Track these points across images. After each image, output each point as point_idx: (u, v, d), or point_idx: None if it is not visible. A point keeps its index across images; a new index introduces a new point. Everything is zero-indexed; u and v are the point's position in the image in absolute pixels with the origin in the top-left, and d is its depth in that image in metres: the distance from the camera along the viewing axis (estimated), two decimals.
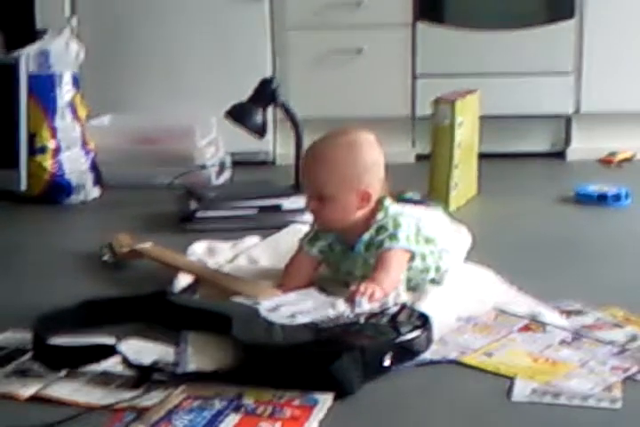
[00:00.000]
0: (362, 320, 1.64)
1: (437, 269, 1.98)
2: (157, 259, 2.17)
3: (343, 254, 1.96)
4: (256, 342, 1.60)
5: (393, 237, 1.89)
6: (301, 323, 1.65)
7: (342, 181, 1.88)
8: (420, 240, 1.94)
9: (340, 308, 1.69)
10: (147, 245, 2.24)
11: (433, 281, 1.97)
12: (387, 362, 1.55)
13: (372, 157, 1.91)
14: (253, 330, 1.66)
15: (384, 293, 1.78)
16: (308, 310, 1.70)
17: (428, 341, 1.65)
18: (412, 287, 1.94)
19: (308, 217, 2.05)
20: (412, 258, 1.92)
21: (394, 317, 1.65)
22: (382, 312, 1.67)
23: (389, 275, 1.85)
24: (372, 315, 1.66)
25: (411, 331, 1.62)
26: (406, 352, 1.61)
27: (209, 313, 1.76)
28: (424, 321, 1.66)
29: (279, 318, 1.68)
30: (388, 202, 1.94)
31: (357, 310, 1.68)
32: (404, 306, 1.70)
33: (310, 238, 1.99)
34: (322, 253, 1.98)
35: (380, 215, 1.91)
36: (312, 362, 1.53)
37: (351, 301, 1.72)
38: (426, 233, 1.98)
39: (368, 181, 1.90)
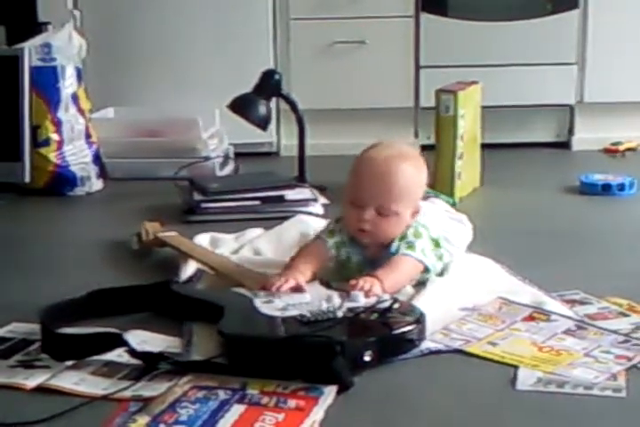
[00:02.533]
0: (352, 315, 1.63)
1: (441, 259, 1.98)
2: (175, 247, 2.18)
3: (358, 266, 1.93)
4: (236, 333, 1.60)
5: (410, 245, 1.89)
6: (290, 316, 1.65)
7: (408, 199, 1.88)
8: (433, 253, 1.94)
9: (335, 301, 1.69)
10: (170, 234, 2.25)
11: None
12: (367, 357, 1.54)
13: (425, 174, 1.94)
14: (239, 321, 1.66)
15: (383, 289, 1.77)
16: (301, 303, 1.70)
17: (420, 335, 1.64)
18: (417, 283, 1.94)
19: (318, 211, 2.00)
20: (427, 271, 1.91)
21: (385, 311, 1.64)
22: (374, 307, 1.66)
23: (395, 276, 1.84)
24: (364, 309, 1.65)
25: (401, 326, 1.61)
26: (395, 347, 1.60)
27: (204, 303, 1.77)
28: (416, 315, 1.65)
29: (271, 309, 1.68)
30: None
31: (352, 304, 1.68)
32: (396, 300, 1.69)
33: (331, 231, 1.96)
34: (336, 250, 1.95)
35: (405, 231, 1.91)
36: (284, 355, 1.52)
37: (347, 294, 1.72)
38: (433, 235, 1.97)
39: (421, 193, 1.93)
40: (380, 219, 1.88)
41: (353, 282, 1.77)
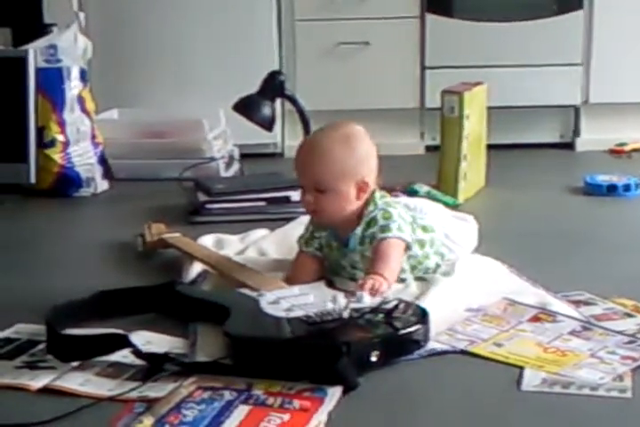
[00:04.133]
0: (357, 315, 1.63)
1: (442, 256, 1.99)
2: (180, 248, 2.18)
3: (339, 251, 1.96)
4: (242, 334, 1.61)
5: (385, 228, 1.89)
6: (295, 317, 1.65)
7: (341, 173, 1.89)
8: (416, 229, 1.95)
9: (340, 302, 1.69)
10: (174, 235, 2.25)
11: (441, 271, 1.98)
12: (373, 358, 1.54)
13: (367, 148, 1.94)
14: (245, 322, 1.67)
15: (388, 284, 1.79)
16: (306, 304, 1.70)
17: (425, 335, 1.64)
18: (421, 277, 1.95)
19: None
20: (409, 247, 1.92)
21: (390, 312, 1.64)
22: (380, 307, 1.66)
23: (389, 265, 1.85)
24: (369, 310, 1.65)
25: (406, 326, 1.61)
26: (401, 347, 1.60)
27: (210, 304, 1.77)
28: (421, 316, 1.65)
29: (276, 310, 1.68)
30: (377, 194, 1.94)
31: (357, 305, 1.68)
32: (401, 301, 1.69)
33: (306, 239, 2.00)
34: (321, 251, 1.99)
35: (370, 208, 1.92)
36: (290, 356, 1.53)
37: (353, 295, 1.72)
38: (422, 222, 1.99)
39: (364, 172, 1.91)
40: (320, 196, 1.90)
41: (361, 282, 1.78)
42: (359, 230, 1.92)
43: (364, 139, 1.94)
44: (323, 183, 1.89)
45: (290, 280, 1.91)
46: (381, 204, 1.93)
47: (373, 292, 1.73)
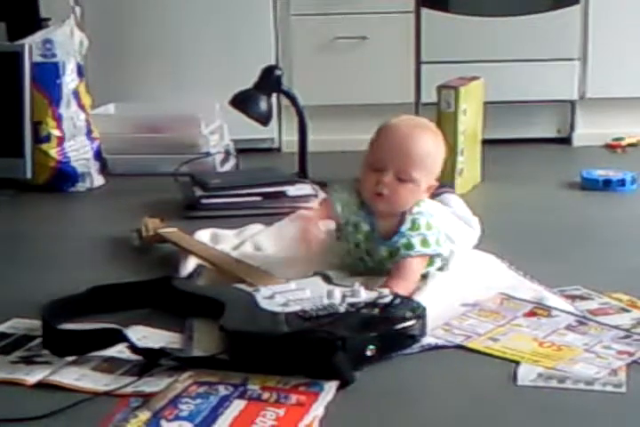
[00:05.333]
0: (353, 310, 1.63)
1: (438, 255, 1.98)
2: (176, 243, 2.18)
3: (368, 237, 1.95)
4: (237, 329, 1.61)
5: (424, 241, 1.89)
6: (291, 311, 1.65)
7: (430, 169, 1.91)
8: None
9: (336, 296, 1.69)
10: (170, 230, 2.25)
11: (437, 266, 1.97)
12: (368, 353, 1.54)
13: (444, 149, 1.96)
14: (242, 317, 1.66)
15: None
16: (302, 299, 1.70)
17: (422, 330, 1.64)
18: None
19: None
20: (434, 257, 1.93)
21: (386, 306, 1.64)
22: (376, 302, 1.66)
23: (406, 285, 1.83)
24: (365, 304, 1.65)
25: (402, 321, 1.61)
26: (397, 342, 1.60)
27: (206, 299, 1.77)
28: (417, 311, 1.65)
29: (272, 305, 1.68)
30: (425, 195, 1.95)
31: (353, 300, 1.68)
32: (397, 295, 1.69)
33: (343, 196, 1.97)
34: (342, 209, 1.97)
35: (416, 208, 1.92)
36: (286, 350, 1.52)
37: (349, 289, 1.72)
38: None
39: (439, 171, 1.94)
40: (398, 184, 1.88)
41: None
42: (404, 229, 1.91)
43: (442, 139, 1.96)
44: (408, 173, 1.88)
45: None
46: (424, 207, 1.93)
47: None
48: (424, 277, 1.91)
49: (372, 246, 1.95)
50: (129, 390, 1.48)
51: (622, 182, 2.79)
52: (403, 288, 1.80)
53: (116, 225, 2.47)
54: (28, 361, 1.60)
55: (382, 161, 1.89)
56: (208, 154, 3.14)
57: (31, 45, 2.91)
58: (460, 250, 2.07)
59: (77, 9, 3.12)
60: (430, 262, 1.95)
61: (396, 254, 1.90)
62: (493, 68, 3.37)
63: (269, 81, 2.94)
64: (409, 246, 1.89)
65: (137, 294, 1.85)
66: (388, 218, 1.93)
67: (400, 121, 1.94)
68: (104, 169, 3.08)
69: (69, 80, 3.00)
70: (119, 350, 1.60)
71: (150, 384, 1.50)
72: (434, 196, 2.09)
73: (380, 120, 1.97)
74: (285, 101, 3.11)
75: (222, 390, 1.47)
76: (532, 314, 1.77)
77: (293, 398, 1.44)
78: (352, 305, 1.65)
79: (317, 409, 1.41)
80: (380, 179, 1.88)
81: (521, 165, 3.21)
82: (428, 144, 1.91)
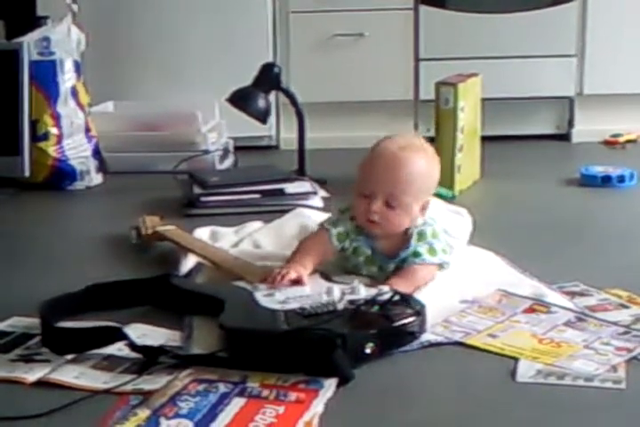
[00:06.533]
0: (353, 307, 1.63)
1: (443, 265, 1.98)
2: (175, 241, 2.18)
3: (370, 259, 1.92)
4: (237, 327, 1.61)
5: (432, 249, 1.88)
6: (290, 309, 1.65)
7: (418, 192, 1.87)
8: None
9: (335, 294, 1.69)
10: (169, 228, 2.25)
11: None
12: (367, 350, 1.54)
13: (438, 168, 1.92)
14: (240, 314, 1.66)
15: None
16: (301, 296, 1.70)
17: (421, 327, 1.64)
18: None
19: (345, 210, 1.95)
20: (441, 267, 1.92)
21: (385, 303, 1.64)
22: (375, 299, 1.66)
23: (410, 287, 1.81)
24: (365, 302, 1.65)
25: (401, 318, 1.61)
26: (396, 339, 1.60)
27: (205, 296, 1.77)
28: (417, 307, 1.65)
29: (271, 303, 1.68)
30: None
31: (352, 297, 1.67)
32: (396, 292, 1.69)
33: (337, 226, 1.93)
34: (339, 241, 1.93)
35: (419, 221, 1.90)
36: (285, 348, 1.52)
37: (348, 287, 1.72)
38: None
39: (432, 191, 1.92)
40: (388, 210, 1.86)
41: None
42: (413, 243, 1.88)
43: (436, 157, 1.92)
44: (397, 199, 1.85)
45: (291, 258, 1.88)
46: (429, 219, 1.92)
47: None
48: None
49: (373, 269, 1.93)
50: (128, 388, 1.48)
51: (621, 179, 2.79)
52: (403, 287, 1.80)
53: (115, 223, 2.47)
54: (28, 359, 1.60)
55: (370, 188, 1.86)
56: (207, 152, 3.14)
57: (29, 43, 2.91)
58: (460, 243, 2.07)
59: (75, 7, 3.12)
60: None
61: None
62: (492, 64, 3.37)
63: (268, 78, 2.94)
64: (416, 254, 1.88)
65: (136, 291, 1.85)
66: (388, 237, 1.91)
67: (390, 143, 1.89)
68: (102, 167, 3.07)
69: (67, 78, 3.00)
70: (118, 348, 1.60)
71: (150, 382, 1.50)
72: None
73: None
74: (284, 99, 3.11)
75: (222, 388, 1.47)
76: (531, 310, 1.77)
77: (293, 395, 1.44)
78: (351, 302, 1.65)
79: (317, 407, 1.41)
80: (369, 207, 1.86)
81: (520, 162, 3.21)
82: (416, 166, 1.86)
